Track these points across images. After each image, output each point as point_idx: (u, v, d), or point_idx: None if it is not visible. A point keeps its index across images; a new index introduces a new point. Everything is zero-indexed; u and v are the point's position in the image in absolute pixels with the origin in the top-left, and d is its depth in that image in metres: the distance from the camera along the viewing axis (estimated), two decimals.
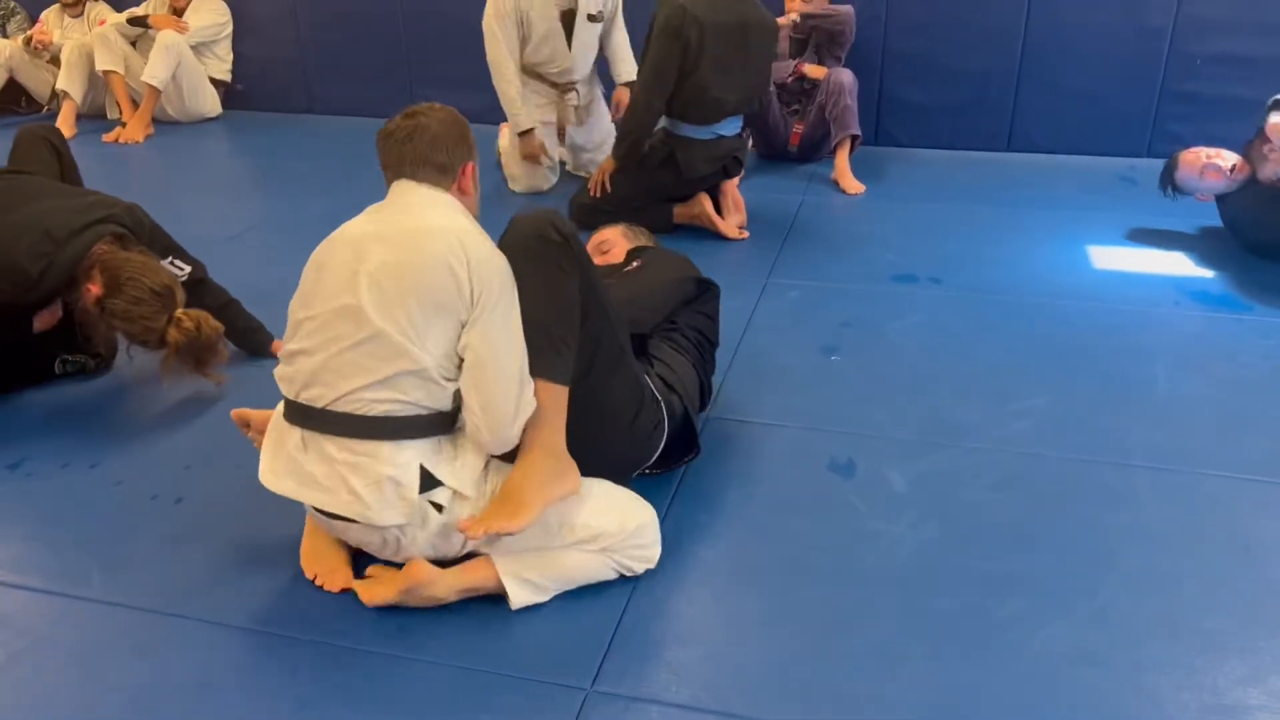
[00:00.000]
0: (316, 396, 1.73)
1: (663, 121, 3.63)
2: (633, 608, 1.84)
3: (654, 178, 3.68)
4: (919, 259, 3.48)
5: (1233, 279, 3.29)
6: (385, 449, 1.71)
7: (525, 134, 4.11)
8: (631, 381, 1.97)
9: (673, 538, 2.02)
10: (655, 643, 1.77)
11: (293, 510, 1.94)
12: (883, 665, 1.71)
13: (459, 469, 1.77)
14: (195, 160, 5.04)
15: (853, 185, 4.23)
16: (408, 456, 1.72)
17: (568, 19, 3.98)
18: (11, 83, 5.61)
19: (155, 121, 5.40)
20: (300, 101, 5.73)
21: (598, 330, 1.87)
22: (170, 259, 2.58)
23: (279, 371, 1.83)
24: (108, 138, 5.22)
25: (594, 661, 1.72)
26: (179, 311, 2.35)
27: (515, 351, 1.75)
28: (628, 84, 4.13)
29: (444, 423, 1.78)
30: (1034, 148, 4.77)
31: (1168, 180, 3.64)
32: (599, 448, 1.93)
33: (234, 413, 2.08)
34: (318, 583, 1.89)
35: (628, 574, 1.89)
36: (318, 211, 4.06)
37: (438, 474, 1.74)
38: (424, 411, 1.74)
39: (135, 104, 5.37)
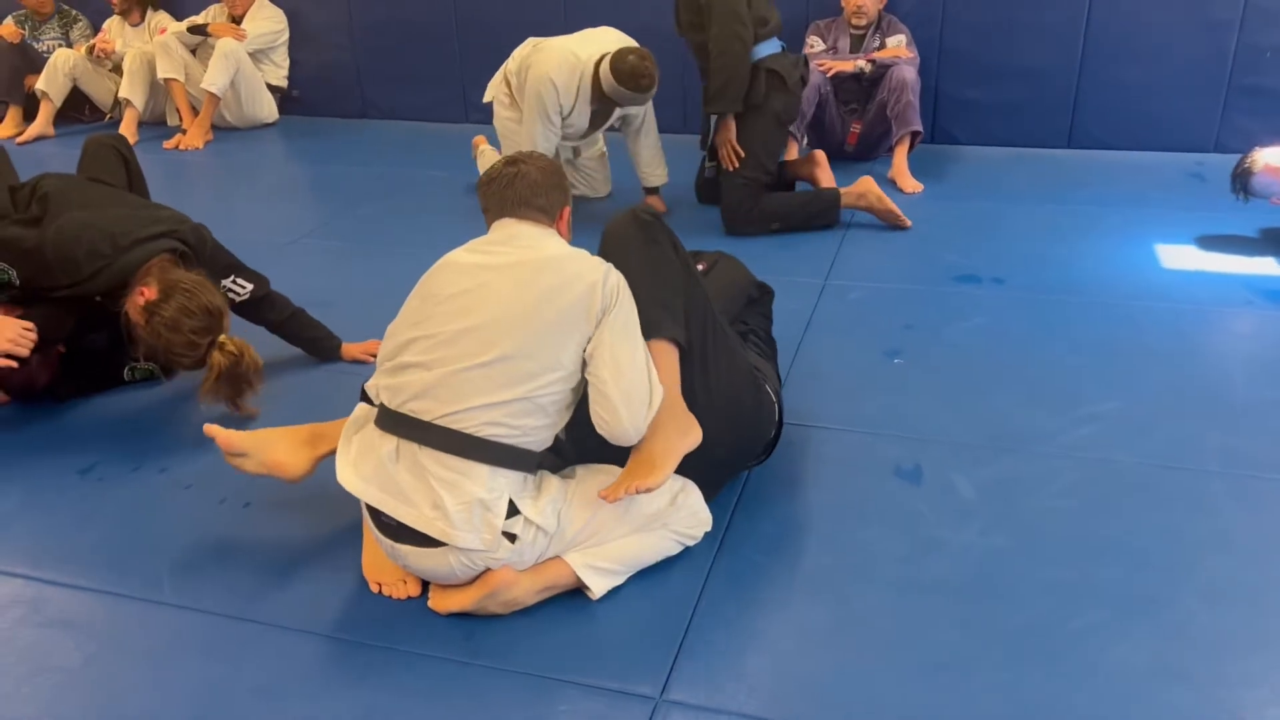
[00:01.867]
0: (424, 410, 1.75)
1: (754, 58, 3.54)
2: (699, 616, 1.83)
3: (770, 110, 3.59)
4: (981, 259, 3.42)
5: None
6: (482, 471, 1.73)
7: None
8: (747, 370, 2.01)
9: (737, 547, 2.01)
10: (723, 652, 1.75)
11: (360, 515, 1.94)
12: (952, 678, 1.68)
13: (542, 505, 1.79)
14: (253, 166, 5.11)
15: (910, 184, 4.18)
16: (501, 484, 1.74)
17: (595, 119, 3.81)
18: (75, 91, 5.72)
19: (214, 128, 5.48)
20: (355, 107, 5.79)
21: (702, 307, 1.95)
22: (232, 277, 2.61)
23: (379, 383, 1.85)
24: (168, 144, 5.32)
25: (663, 670, 1.71)
26: (223, 336, 2.37)
27: (641, 348, 1.82)
28: (653, 189, 4.04)
29: (532, 461, 1.80)
30: (1096, 144, 4.67)
31: (1242, 183, 3.49)
32: (728, 440, 1.98)
33: (219, 434, 2.03)
34: (384, 593, 1.90)
35: (689, 543, 1.95)
36: (373, 218, 4.12)
37: (523, 509, 1.76)
38: (524, 442, 1.76)
39: (195, 111, 5.46)
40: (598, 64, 3.58)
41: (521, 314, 1.76)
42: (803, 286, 3.23)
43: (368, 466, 1.79)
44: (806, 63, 3.75)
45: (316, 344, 2.81)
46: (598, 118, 3.81)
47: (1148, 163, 4.47)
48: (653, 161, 3.97)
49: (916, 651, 1.74)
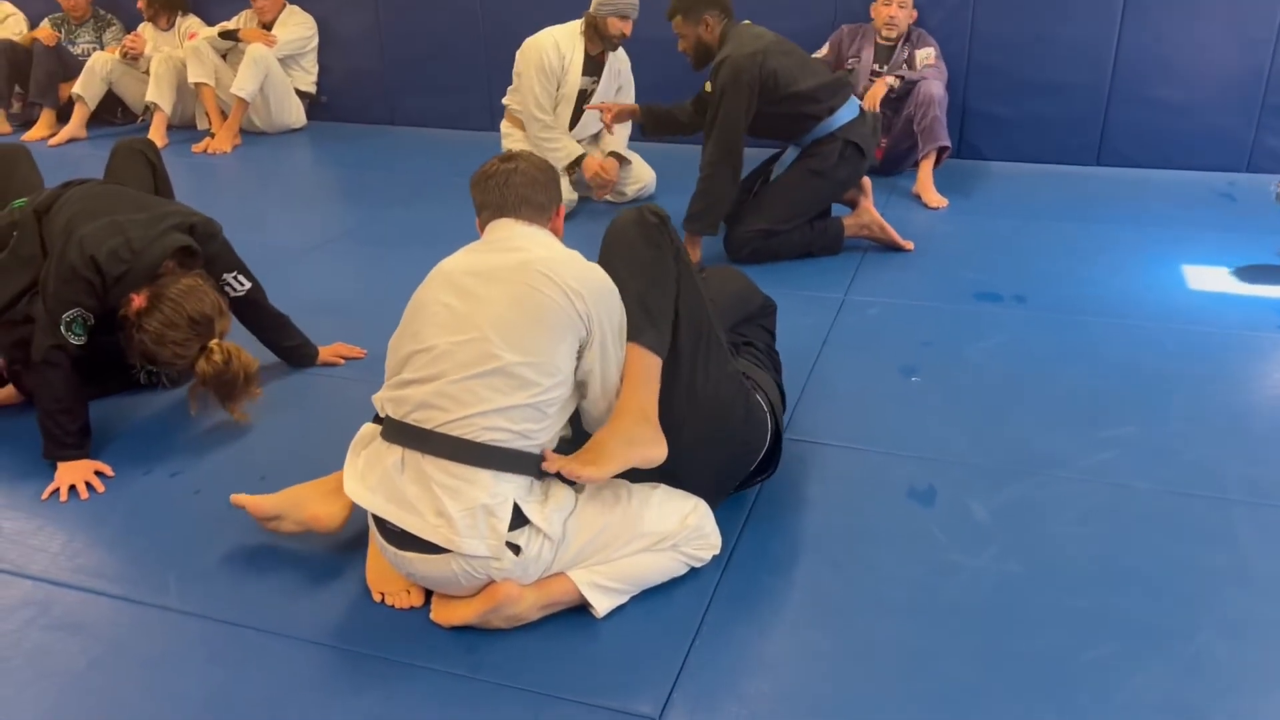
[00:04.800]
0: (426, 418, 1.75)
1: (824, 129, 3.50)
2: (703, 636, 1.80)
3: (834, 178, 3.53)
4: (1003, 277, 3.38)
5: None
6: (486, 477, 1.72)
7: (578, 162, 4.15)
8: (736, 378, 1.98)
9: (744, 566, 1.99)
10: (726, 674, 1.73)
11: (365, 525, 1.94)
12: (961, 708, 1.65)
13: (549, 512, 1.77)
14: (280, 171, 5.15)
15: (935, 199, 4.14)
16: (505, 489, 1.73)
17: (581, 98, 4.17)
18: (109, 94, 5.79)
19: (242, 132, 5.54)
20: (382, 113, 5.82)
21: (696, 314, 1.91)
22: (234, 273, 2.63)
23: (384, 396, 1.85)
24: (196, 148, 5.37)
25: (664, 690, 1.68)
26: (214, 342, 2.37)
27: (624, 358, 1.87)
28: (615, 154, 4.26)
29: (536, 466, 1.79)
30: (1125, 162, 4.62)
31: None
32: (713, 443, 1.97)
33: (248, 503, 2.03)
34: (386, 602, 1.89)
35: (696, 564, 1.94)
36: (397, 223, 4.14)
37: (528, 512, 1.74)
38: (526, 446, 1.76)
39: (224, 115, 5.51)
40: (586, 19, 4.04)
41: (516, 323, 1.75)
42: (822, 301, 3.20)
43: (373, 477, 1.79)
44: (879, 121, 3.71)
45: (297, 351, 2.85)
46: (590, 68, 4.12)
47: (1178, 182, 4.41)
48: (621, 139, 4.30)
49: (924, 680, 1.71)
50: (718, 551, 1.96)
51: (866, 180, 3.66)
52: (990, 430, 2.45)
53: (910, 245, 3.63)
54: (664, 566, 1.89)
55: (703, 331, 1.92)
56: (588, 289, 1.79)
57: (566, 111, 4.19)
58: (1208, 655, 1.74)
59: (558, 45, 4.06)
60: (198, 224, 2.57)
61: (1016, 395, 2.62)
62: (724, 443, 1.99)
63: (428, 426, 1.74)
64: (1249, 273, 3.37)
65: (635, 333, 1.84)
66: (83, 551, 2.11)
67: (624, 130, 4.35)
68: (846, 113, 3.49)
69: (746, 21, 3.54)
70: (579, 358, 1.81)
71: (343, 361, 2.89)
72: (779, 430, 2.10)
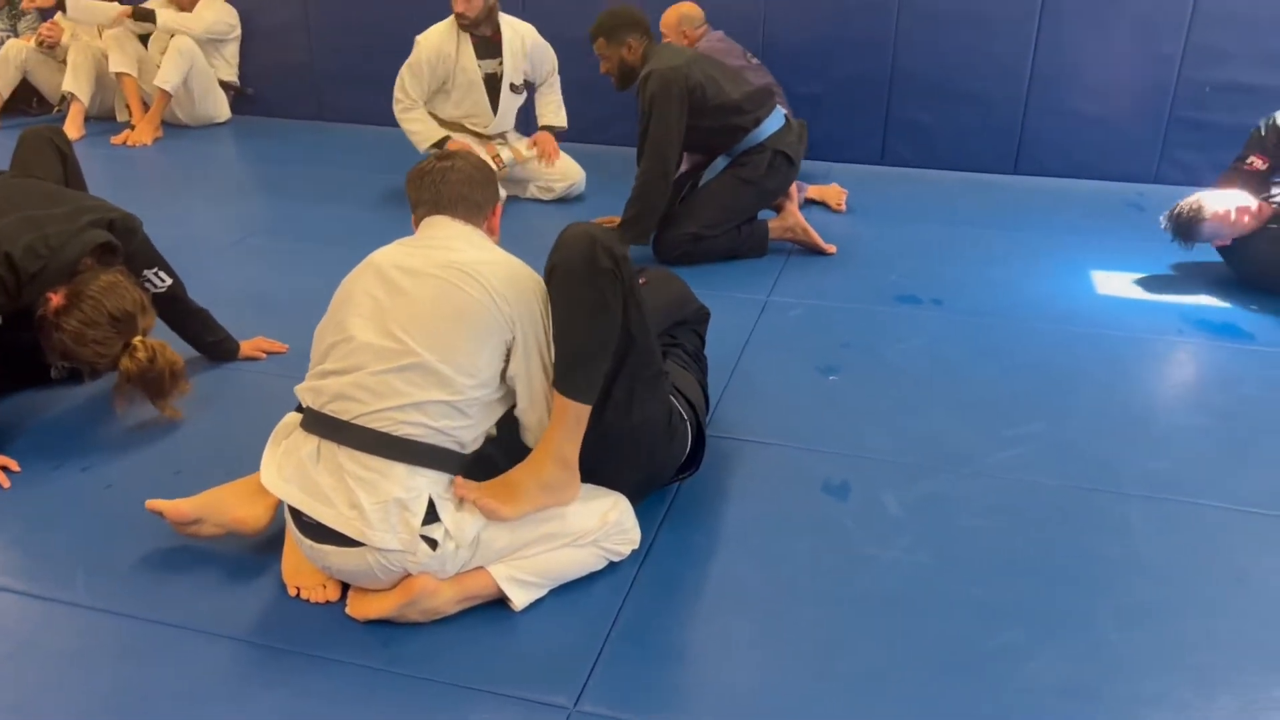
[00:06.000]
0: (343, 409, 1.74)
1: (752, 139, 3.55)
2: (620, 628, 1.83)
3: (763, 188, 3.58)
4: (922, 280, 3.47)
5: (1236, 308, 3.27)
6: (400, 470, 1.72)
7: (441, 143, 4.18)
8: (664, 402, 2.00)
9: (663, 557, 2.02)
10: (641, 664, 1.75)
11: (284, 519, 1.93)
12: (870, 691, 1.69)
13: (460, 518, 1.77)
14: (202, 164, 5.05)
15: (836, 197, 4.24)
16: (420, 484, 1.73)
17: (492, 82, 4.23)
18: (24, 83, 5.63)
19: (164, 124, 5.42)
20: (310, 109, 5.75)
21: (642, 355, 1.89)
22: (155, 269, 2.58)
23: (304, 386, 1.84)
24: (116, 140, 5.24)
25: (579, 679, 1.70)
26: (137, 339, 2.33)
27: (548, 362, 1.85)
28: (548, 127, 4.42)
29: (459, 462, 1.80)
30: (1042, 171, 4.76)
31: (1186, 230, 3.39)
32: (636, 465, 2.01)
33: (164, 508, 1.98)
34: (302, 597, 1.88)
35: (615, 559, 1.96)
36: (321, 218, 4.09)
37: (441, 512, 1.74)
38: (446, 443, 1.76)
39: (146, 106, 5.39)
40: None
41: (436, 321, 1.76)
42: (745, 303, 3.25)
43: (289, 467, 1.78)
44: (804, 129, 3.75)
45: (218, 346, 2.82)
46: (486, 50, 4.18)
47: (1090, 191, 4.57)
48: (553, 108, 4.46)
49: (836, 664, 1.75)
50: (636, 546, 1.99)
51: (793, 188, 3.72)
52: (904, 428, 2.52)
53: (833, 249, 3.71)
54: (583, 561, 1.91)
55: (642, 372, 1.90)
56: (513, 291, 1.79)
57: (479, 98, 4.23)
58: (1104, 640, 1.81)
59: (440, 41, 4.15)
60: (117, 220, 2.52)
61: (931, 394, 2.70)
62: (646, 464, 2.03)
63: (344, 418, 1.74)
64: (1153, 280, 3.51)
65: (562, 382, 1.81)
66: None
67: (555, 102, 4.46)
68: (773, 122, 3.55)
69: (667, 40, 3.59)
70: (508, 361, 1.81)
71: (264, 356, 2.86)
72: (701, 430, 2.13)
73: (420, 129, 4.22)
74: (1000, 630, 1.83)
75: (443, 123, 4.27)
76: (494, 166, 4.17)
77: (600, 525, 1.90)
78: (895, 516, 2.16)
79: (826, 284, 3.44)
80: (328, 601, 1.87)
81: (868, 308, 3.25)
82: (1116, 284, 3.48)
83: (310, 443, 1.77)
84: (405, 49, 4.18)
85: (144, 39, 5.47)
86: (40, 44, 5.54)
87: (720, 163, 3.67)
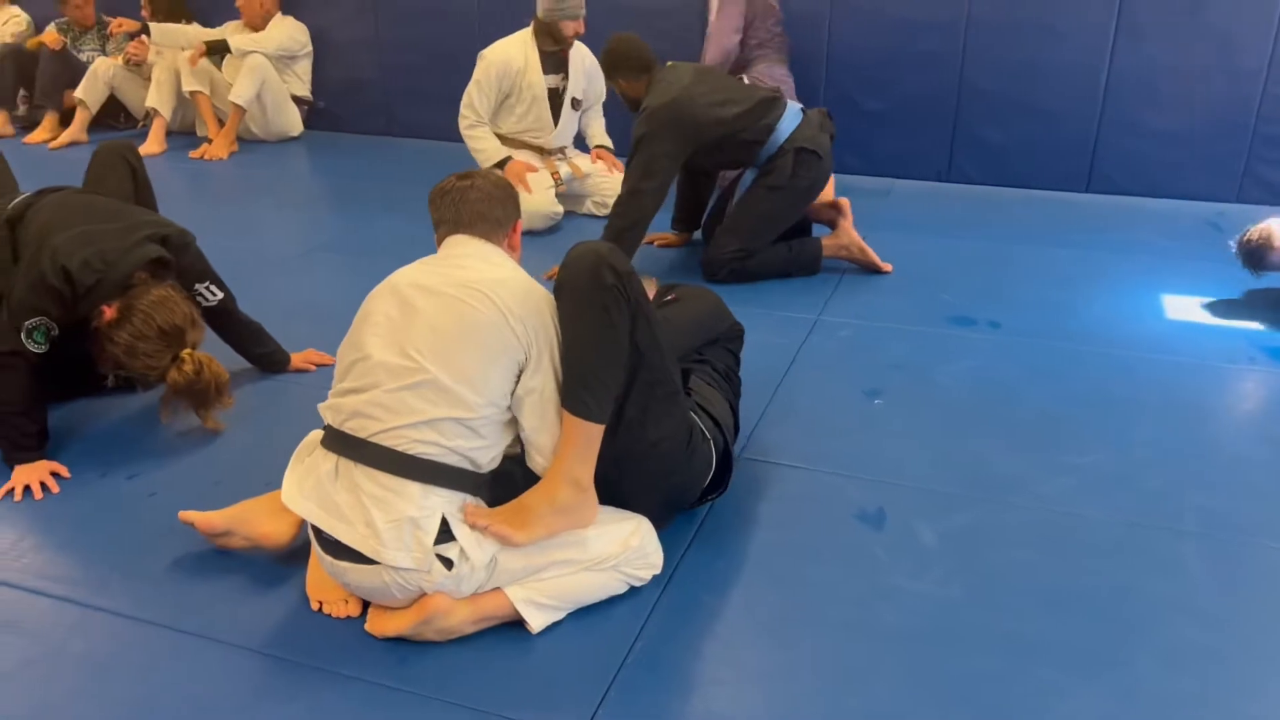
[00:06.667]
0: (359, 427, 1.76)
1: (771, 147, 3.48)
2: (636, 652, 1.80)
3: (796, 188, 3.49)
4: (979, 301, 3.37)
5: None
6: (414, 489, 1.72)
7: (503, 164, 4.20)
8: (683, 420, 1.96)
9: (686, 582, 1.98)
10: (655, 692, 1.72)
11: (308, 535, 1.95)
12: None
13: (476, 537, 1.77)
14: (273, 178, 5.18)
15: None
16: (434, 503, 1.73)
17: (554, 96, 4.28)
18: (111, 99, 5.85)
19: (240, 139, 5.58)
20: (379, 124, 5.87)
21: (654, 373, 1.87)
22: (207, 283, 2.65)
23: (326, 405, 1.86)
24: (194, 154, 5.41)
25: (591, 705, 1.68)
26: (185, 352, 2.39)
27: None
28: (601, 147, 4.50)
29: (474, 482, 1.80)
30: (1114, 189, 4.61)
31: (1257, 259, 3.27)
32: (654, 485, 1.98)
33: (196, 520, 2.04)
34: (325, 611, 1.89)
35: (636, 584, 1.93)
36: (385, 232, 4.16)
37: (456, 531, 1.74)
38: (460, 462, 1.76)
39: (221, 121, 5.56)
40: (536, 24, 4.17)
41: (447, 339, 1.76)
42: (794, 322, 3.20)
43: (309, 484, 1.80)
44: (830, 114, 3.65)
45: (268, 358, 2.87)
46: (553, 65, 4.23)
47: (1166, 210, 4.40)
48: (602, 130, 4.54)
49: (858, 699, 1.70)
50: (658, 571, 1.96)
51: (845, 201, 3.66)
52: (947, 455, 2.44)
53: (889, 268, 3.63)
54: (603, 585, 1.89)
55: (655, 390, 1.87)
56: (525, 310, 1.79)
57: (542, 111, 4.27)
58: (1144, 684, 1.73)
59: (508, 54, 4.19)
60: (171, 235, 2.59)
61: (980, 420, 2.61)
62: (666, 484, 2.00)
63: (361, 435, 1.75)
64: (1226, 305, 3.35)
65: (571, 401, 1.78)
66: (30, 551, 2.12)
67: (600, 121, 4.52)
68: (788, 123, 3.47)
69: (670, 63, 3.56)
70: (519, 380, 1.80)
71: (314, 368, 2.91)
72: (728, 450, 2.10)
73: (486, 147, 4.25)
74: (1032, 669, 1.76)
75: (503, 139, 4.31)
76: (553, 182, 4.21)
77: (621, 550, 1.88)
78: (929, 547, 2.10)
79: (880, 304, 3.37)
80: (349, 617, 1.88)
81: (921, 329, 3.17)
82: (1187, 308, 3.33)
83: (329, 460, 1.78)
84: (471, 66, 4.22)
85: (219, 62, 5.65)
86: (127, 62, 5.75)
87: (748, 178, 3.62)
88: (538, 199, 4.13)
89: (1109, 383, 2.81)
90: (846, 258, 3.65)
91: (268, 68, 5.51)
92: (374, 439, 1.74)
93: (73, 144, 5.58)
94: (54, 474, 2.37)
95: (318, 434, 1.90)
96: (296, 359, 2.91)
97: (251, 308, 2.84)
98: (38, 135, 5.69)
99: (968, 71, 4.65)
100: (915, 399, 2.73)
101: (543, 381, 1.80)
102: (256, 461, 2.41)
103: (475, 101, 4.22)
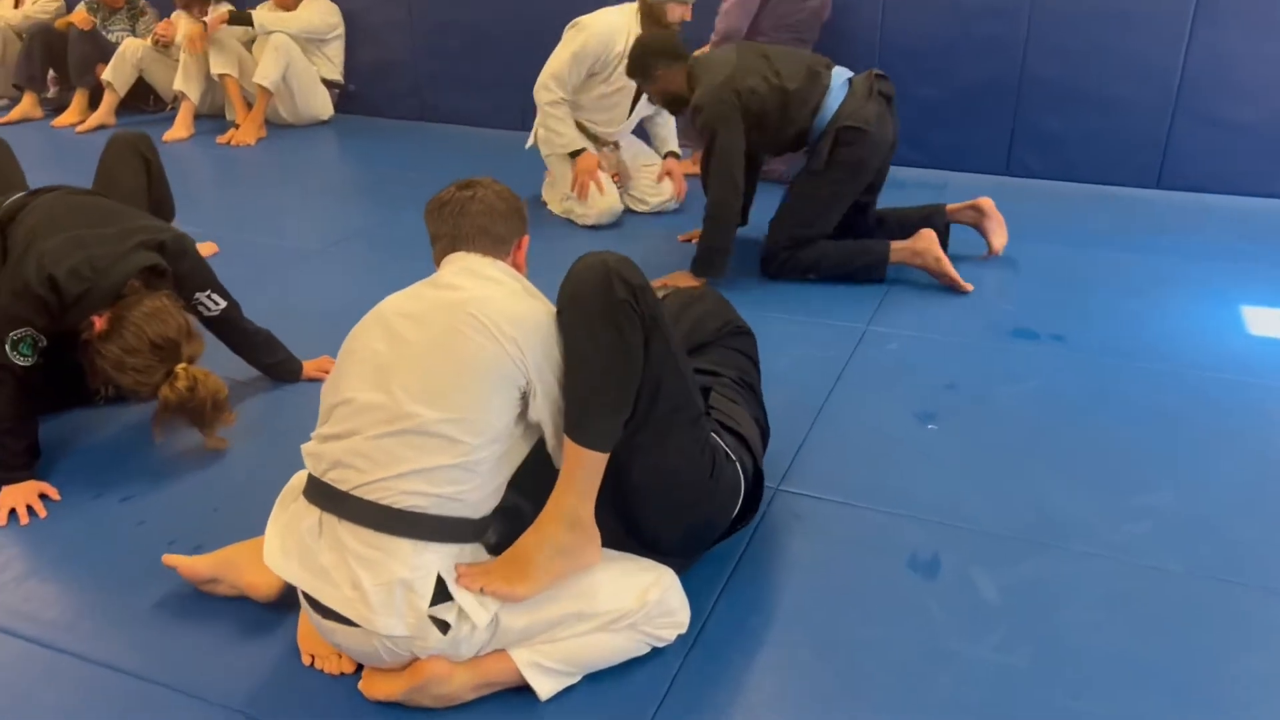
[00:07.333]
0: (341, 478, 1.57)
1: (816, 130, 3.24)
2: None
3: (837, 172, 3.22)
4: (1042, 311, 3.12)
5: None
6: (404, 547, 1.53)
7: (577, 154, 3.94)
8: (704, 445, 1.76)
9: (715, 644, 1.78)
10: None
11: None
12: None
13: (482, 598, 1.57)
14: (301, 165, 5.02)
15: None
16: (427, 560, 1.54)
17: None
18: (140, 81, 5.73)
19: (268, 123, 5.43)
20: (412, 108, 5.69)
21: (673, 398, 1.67)
22: (208, 292, 2.48)
23: (308, 448, 1.67)
24: (221, 139, 5.28)
25: None
26: (179, 367, 2.23)
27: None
28: (671, 153, 4.20)
29: (474, 529, 1.60)
30: (1190, 186, 4.29)
31: None
32: (677, 519, 1.78)
33: (180, 565, 1.89)
34: (316, 666, 1.72)
35: (658, 644, 1.73)
36: (415, 224, 3.93)
37: (453, 588, 1.55)
38: (455, 510, 1.56)
39: (250, 105, 5.41)
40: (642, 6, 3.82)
41: (438, 378, 1.56)
42: (840, 332, 2.97)
43: (291, 541, 1.61)
44: (883, 76, 3.31)
45: (279, 368, 2.71)
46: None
47: (1245, 210, 4.08)
48: (668, 132, 4.21)
49: None
50: (684, 630, 1.75)
51: (987, 201, 3.41)
52: (1009, 491, 2.21)
53: (970, 287, 3.27)
54: (620, 647, 1.69)
55: (674, 416, 1.68)
56: (521, 331, 1.58)
57: (624, 101, 3.99)
58: None
59: (612, 32, 3.82)
60: (167, 241, 2.42)
61: (1043, 450, 2.37)
62: (690, 517, 1.80)
63: (343, 488, 1.56)
64: None
65: (575, 429, 1.60)
66: (9, 585, 1.97)
67: (670, 124, 4.22)
68: (832, 101, 3.20)
69: (705, 48, 3.33)
70: (525, 404, 1.61)
71: (325, 375, 2.73)
72: (759, 472, 1.89)
73: (564, 131, 3.91)
74: None
75: None
76: (612, 181, 4.02)
77: (639, 605, 1.67)
78: (990, 603, 1.88)
79: (933, 313, 3.12)
80: (342, 673, 1.71)
81: (978, 343, 2.92)
82: (1273, 323, 3.05)
83: (312, 515, 1.60)
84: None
85: (249, 44, 5.49)
86: (155, 42, 5.63)
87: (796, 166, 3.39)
88: (609, 199, 3.94)
89: (1186, 409, 2.56)
90: (920, 266, 3.33)
91: (292, 48, 5.34)
92: (356, 492, 1.54)
93: (101, 127, 5.47)
94: (43, 496, 2.22)
95: (302, 477, 1.72)
96: (309, 367, 2.74)
97: (270, 305, 2.67)
98: (65, 118, 5.59)
99: (1030, 59, 4.36)
100: (972, 424, 2.49)
101: (550, 407, 1.61)
102: (259, 483, 2.23)
103: (566, 74, 3.84)
